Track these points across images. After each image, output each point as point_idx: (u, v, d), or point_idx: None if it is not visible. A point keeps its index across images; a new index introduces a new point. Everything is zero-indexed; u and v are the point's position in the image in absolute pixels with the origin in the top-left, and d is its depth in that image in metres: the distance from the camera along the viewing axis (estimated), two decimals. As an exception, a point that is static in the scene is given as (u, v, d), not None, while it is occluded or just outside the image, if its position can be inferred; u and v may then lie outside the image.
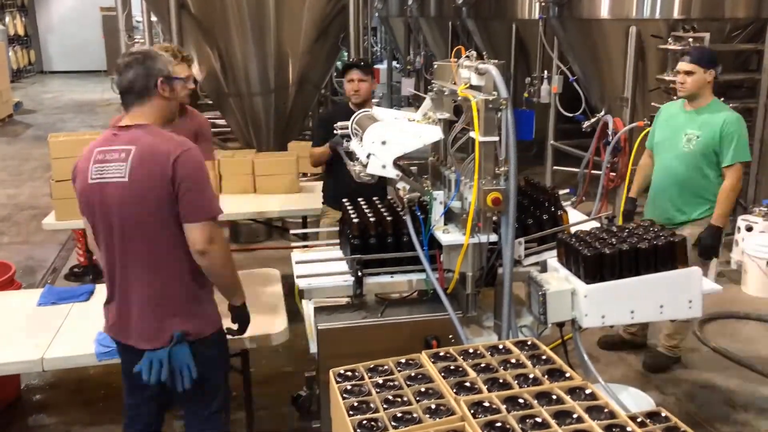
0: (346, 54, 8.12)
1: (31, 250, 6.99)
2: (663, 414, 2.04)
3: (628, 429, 1.77)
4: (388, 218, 3.17)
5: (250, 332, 3.22)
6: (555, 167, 8.68)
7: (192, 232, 2.59)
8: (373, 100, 5.25)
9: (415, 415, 1.86)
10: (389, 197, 3.53)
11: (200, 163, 2.64)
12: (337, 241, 3.47)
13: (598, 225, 3.32)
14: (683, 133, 4.30)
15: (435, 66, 3.52)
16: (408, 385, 2.02)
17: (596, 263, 2.77)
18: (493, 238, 2.95)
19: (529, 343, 2.29)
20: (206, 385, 2.80)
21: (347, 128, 3.34)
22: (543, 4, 7.85)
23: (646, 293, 2.81)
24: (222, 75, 7.65)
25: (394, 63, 14.37)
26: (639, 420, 1.98)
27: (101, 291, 4.01)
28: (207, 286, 2.77)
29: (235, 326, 2.97)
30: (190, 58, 3.89)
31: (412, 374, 2.09)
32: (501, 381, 2.02)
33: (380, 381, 2.06)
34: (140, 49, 2.75)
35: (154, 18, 11.57)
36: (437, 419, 1.84)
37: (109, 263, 2.73)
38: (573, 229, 3.21)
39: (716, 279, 6.01)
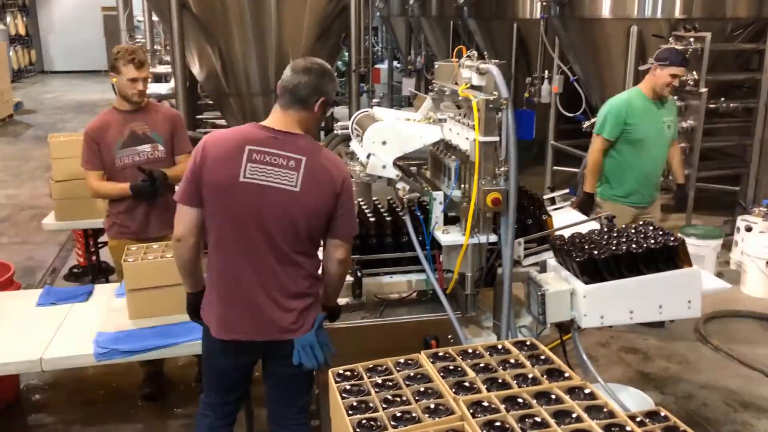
0: (347, 54, 8.13)
1: (30, 250, 6.98)
2: (662, 413, 2.03)
3: (628, 428, 1.77)
4: (388, 218, 3.17)
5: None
6: (555, 167, 8.67)
7: (339, 247, 2.75)
8: (374, 100, 5.24)
9: (414, 414, 1.86)
10: (385, 200, 3.52)
11: (352, 189, 2.82)
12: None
13: (598, 225, 3.33)
14: (662, 122, 4.72)
15: (436, 66, 3.52)
16: (407, 385, 2.02)
17: (592, 268, 2.78)
18: (493, 238, 2.95)
19: (528, 343, 2.29)
20: (306, 374, 2.86)
21: (347, 128, 3.34)
22: (544, 3, 7.85)
23: (645, 293, 2.81)
24: (222, 75, 7.65)
25: (395, 63, 14.38)
26: (638, 419, 1.98)
27: (100, 291, 4.01)
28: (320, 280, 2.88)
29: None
30: (138, 61, 3.91)
31: (411, 374, 2.09)
32: (500, 381, 2.01)
33: (379, 381, 2.06)
34: (322, 64, 2.76)
35: (155, 18, 11.59)
36: (436, 419, 1.84)
37: (243, 263, 2.71)
38: (571, 231, 3.21)
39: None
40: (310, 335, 2.74)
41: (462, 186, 2.99)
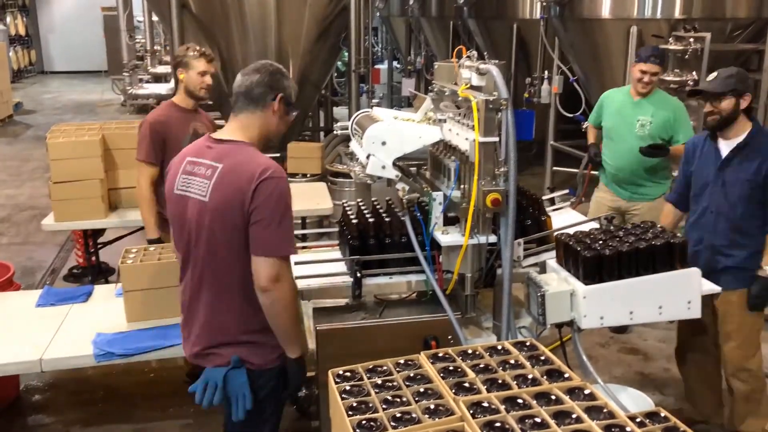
0: (347, 54, 8.13)
1: (30, 250, 6.99)
2: (662, 414, 2.03)
3: (628, 429, 1.77)
4: (387, 219, 3.17)
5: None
6: (555, 167, 8.67)
7: (258, 265, 2.42)
8: (373, 101, 5.26)
9: (414, 415, 1.86)
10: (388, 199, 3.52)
11: (282, 194, 2.44)
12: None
13: (597, 225, 3.32)
14: (635, 119, 4.77)
15: (436, 66, 3.52)
16: (407, 386, 2.02)
17: (595, 265, 2.77)
18: (492, 239, 2.95)
19: (527, 344, 2.28)
20: (257, 415, 2.64)
21: (347, 129, 3.34)
22: (544, 3, 7.85)
23: (645, 294, 2.81)
24: (222, 75, 7.66)
25: (395, 63, 14.38)
26: (638, 420, 1.98)
27: (100, 292, 4.01)
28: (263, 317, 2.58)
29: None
30: (209, 55, 3.99)
31: (411, 375, 2.09)
32: (500, 381, 2.01)
33: (379, 381, 2.06)
34: (273, 63, 2.64)
35: (155, 18, 11.59)
36: (436, 419, 1.84)
37: (181, 276, 2.65)
38: (572, 230, 3.21)
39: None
40: (218, 372, 2.53)
41: (462, 186, 2.99)
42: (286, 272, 2.47)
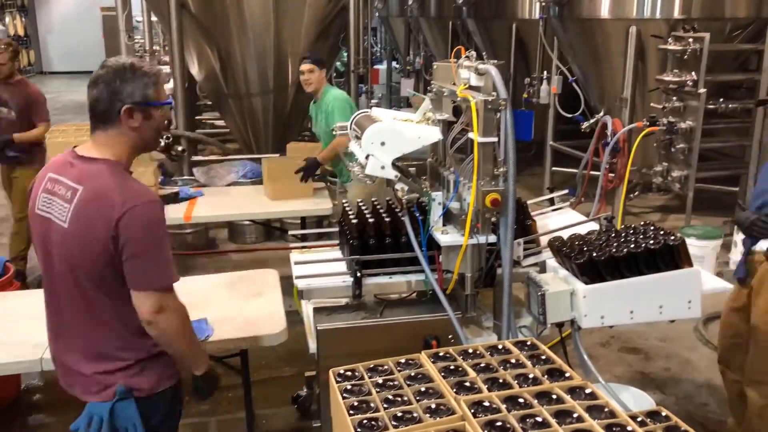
0: (346, 54, 8.13)
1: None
2: (663, 413, 2.04)
3: (629, 428, 1.77)
4: (387, 219, 3.17)
5: (249, 333, 3.23)
6: (554, 168, 8.68)
7: (137, 299, 2.24)
8: (372, 101, 5.32)
9: (415, 414, 1.86)
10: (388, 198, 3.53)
11: (153, 223, 2.23)
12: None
13: (597, 226, 3.33)
14: (317, 121, 5.48)
15: (434, 66, 3.52)
16: (408, 385, 2.02)
17: (591, 270, 2.78)
18: (492, 239, 2.95)
19: (528, 343, 2.29)
20: None
21: (346, 129, 3.34)
22: (543, 4, 7.85)
23: (645, 294, 2.81)
24: (221, 75, 7.66)
25: (394, 63, 14.38)
26: (639, 419, 1.98)
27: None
28: (143, 339, 2.39)
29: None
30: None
31: (412, 374, 2.09)
32: (501, 381, 2.01)
33: (380, 381, 2.06)
34: (116, 64, 2.29)
35: (154, 18, 11.59)
36: (437, 419, 1.84)
37: (47, 300, 2.43)
38: (571, 231, 3.21)
39: (715, 279, 6.03)
40: (102, 406, 2.33)
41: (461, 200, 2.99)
42: (169, 301, 2.29)
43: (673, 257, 2.85)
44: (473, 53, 3.01)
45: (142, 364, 2.37)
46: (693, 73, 6.36)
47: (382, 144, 2.92)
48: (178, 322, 2.33)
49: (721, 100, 6.88)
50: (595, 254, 2.80)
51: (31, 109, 5.76)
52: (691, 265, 2.89)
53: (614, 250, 2.82)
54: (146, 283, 2.24)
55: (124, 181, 2.25)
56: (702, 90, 6.29)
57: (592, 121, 7.50)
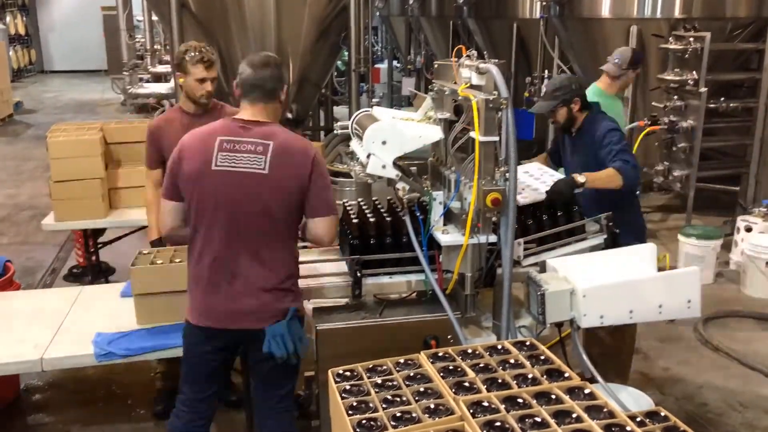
0: (346, 53, 8.12)
1: (30, 250, 6.98)
2: (662, 413, 2.03)
3: (628, 428, 1.77)
4: (388, 219, 3.17)
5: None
6: (555, 167, 8.66)
7: (320, 225, 2.80)
8: (374, 100, 5.23)
9: (414, 414, 1.86)
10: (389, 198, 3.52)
11: (324, 164, 2.86)
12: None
13: (598, 226, 3.33)
14: None
15: (436, 65, 3.52)
16: (407, 385, 2.02)
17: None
18: (492, 238, 2.95)
19: (527, 343, 2.29)
20: (291, 364, 2.86)
21: (347, 128, 3.33)
22: (544, 3, 7.85)
23: (644, 293, 2.81)
24: (222, 75, 7.65)
25: (395, 62, 14.37)
26: (638, 419, 1.98)
27: (102, 291, 4.01)
28: (298, 269, 2.94)
29: None
30: (207, 60, 3.82)
31: (411, 374, 2.09)
32: (500, 381, 2.01)
33: (379, 381, 2.06)
34: (272, 55, 2.93)
35: (154, 17, 11.59)
36: (436, 419, 1.84)
37: (217, 249, 2.77)
38: (571, 232, 3.21)
39: (715, 279, 6.02)
40: (281, 325, 2.77)
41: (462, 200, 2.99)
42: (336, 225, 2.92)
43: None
44: (474, 52, 3.01)
45: (296, 290, 2.88)
46: (694, 72, 6.35)
47: (384, 143, 2.92)
48: (334, 237, 2.98)
49: (722, 99, 6.87)
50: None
51: None
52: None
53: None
54: (329, 209, 2.81)
55: (297, 137, 2.85)
56: (703, 89, 6.28)
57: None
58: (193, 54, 3.75)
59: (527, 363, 2.13)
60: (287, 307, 2.79)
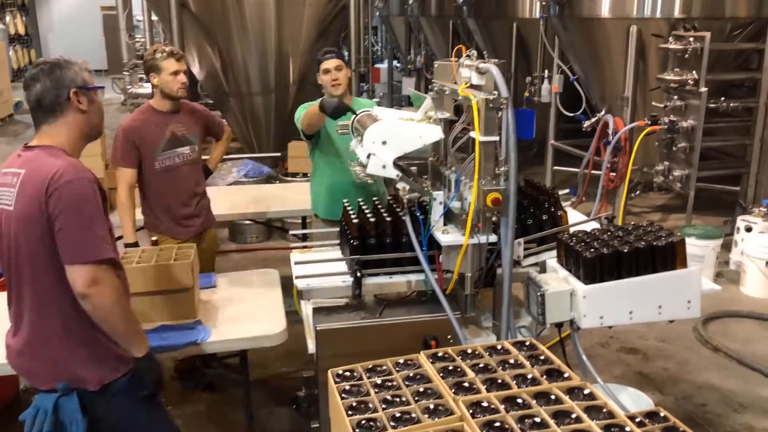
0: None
1: None
2: (662, 414, 2.03)
3: (627, 429, 1.77)
4: (388, 219, 3.17)
5: (249, 333, 3.22)
6: (555, 167, 8.67)
7: (71, 274, 2.28)
8: (374, 100, 5.23)
9: (413, 415, 1.86)
10: (389, 197, 3.53)
11: (83, 197, 2.29)
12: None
13: (598, 225, 3.32)
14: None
15: (435, 65, 3.51)
16: (407, 385, 2.02)
17: (595, 265, 2.77)
18: (493, 238, 2.94)
19: (527, 343, 2.28)
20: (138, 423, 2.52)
21: (347, 128, 3.33)
22: (544, 3, 7.85)
23: (644, 294, 2.81)
24: (222, 74, 7.66)
25: (395, 62, 14.38)
26: (638, 420, 1.98)
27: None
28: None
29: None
30: (177, 53, 3.97)
31: (411, 374, 2.09)
32: (499, 381, 2.01)
33: (379, 381, 2.06)
34: (48, 59, 2.47)
35: (154, 17, 11.58)
36: (436, 419, 1.84)
37: (7, 293, 2.50)
38: (572, 230, 3.21)
39: (715, 279, 6.02)
40: (47, 399, 2.41)
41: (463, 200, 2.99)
42: (104, 275, 2.31)
43: (673, 256, 2.85)
44: (474, 52, 3.01)
45: (92, 353, 2.40)
46: (694, 72, 6.35)
47: (384, 143, 2.92)
48: (114, 297, 2.34)
49: (723, 99, 6.87)
50: (605, 250, 2.78)
51: None
52: (685, 266, 2.88)
53: (618, 246, 2.81)
54: (77, 256, 2.27)
55: (59, 159, 2.33)
56: (703, 89, 6.29)
57: (593, 120, 7.51)
58: (161, 52, 3.92)
59: (527, 363, 2.12)
60: (59, 382, 2.42)
